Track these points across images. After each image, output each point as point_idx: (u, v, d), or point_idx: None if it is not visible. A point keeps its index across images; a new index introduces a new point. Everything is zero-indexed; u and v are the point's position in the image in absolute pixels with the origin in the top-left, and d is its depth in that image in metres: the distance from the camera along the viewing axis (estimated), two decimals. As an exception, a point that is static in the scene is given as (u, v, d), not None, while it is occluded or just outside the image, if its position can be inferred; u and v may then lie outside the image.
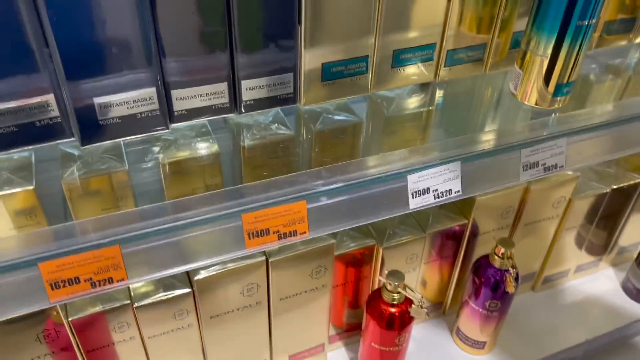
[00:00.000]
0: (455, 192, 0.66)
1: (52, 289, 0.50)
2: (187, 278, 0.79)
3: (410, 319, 0.85)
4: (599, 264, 1.19)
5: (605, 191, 1.03)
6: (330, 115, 0.86)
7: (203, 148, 0.75)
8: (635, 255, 1.16)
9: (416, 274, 0.97)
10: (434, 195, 0.66)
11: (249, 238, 0.58)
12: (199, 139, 0.79)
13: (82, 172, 0.73)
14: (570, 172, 0.97)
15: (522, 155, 0.69)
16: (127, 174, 0.71)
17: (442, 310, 1.09)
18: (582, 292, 1.16)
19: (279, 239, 0.59)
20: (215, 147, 0.75)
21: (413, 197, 0.64)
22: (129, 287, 0.77)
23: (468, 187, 0.67)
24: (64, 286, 0.51)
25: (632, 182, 1.06)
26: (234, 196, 0.59)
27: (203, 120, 0.67)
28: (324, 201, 0.61)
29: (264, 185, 0.61)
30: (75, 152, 0.74)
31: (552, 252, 1.09)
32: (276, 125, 0.83)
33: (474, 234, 0.97)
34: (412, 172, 0.63)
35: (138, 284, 0.77)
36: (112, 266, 0.52)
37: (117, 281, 0.53)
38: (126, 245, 0.53)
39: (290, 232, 0.60)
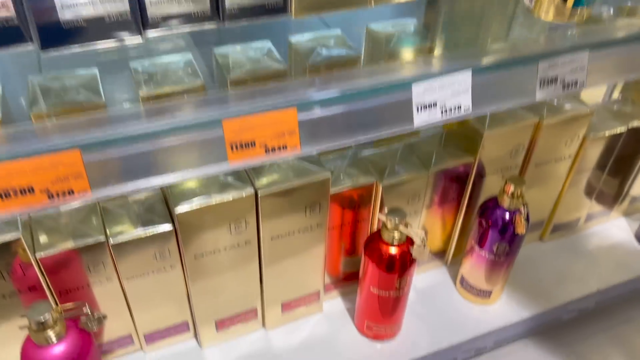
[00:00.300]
0: (464, 108, 0.59)
1: (2, 198, 0.43)
2: (169, 214, 0.72)
3: (412, 261, 0.78)
4: (610, 213, 1.13)
5: (621, 130, 0.96)
6: (325, 50, 0.80)
7: (187, 82, 0.70)
8: (648, 204, 1.10)
9: (418, 219, 0.91)
10: (442, 111, 0.58)
11: (232, 150, 0.50)
12: (183, 72, 0.74)
13: (53, 103, 0.66)
14: (585, 108, 0.90)
15: (540, 69, 0.61)
16: (104, 106, 0.64)
17: (445, 260, 1.03)
18: (593, 242, 1.09)
19: (266, 153, 0.52)
20: (199, 81, 0.69)
21: (418, 112, 0.57)
22: (104, 224, 0.70)
23: (479, 103, 0.60)
24: (15, 196, 0.44)
25: (649, 122, 0.99)
26: (216, 102, 0.52)
27: (182, 31, 0.60)
28: (318, 113, 0.54)
29: (250, 92, 0.53)
30: (48, 84, 0.68)
31: (563, 198, 1.02)
32: (266, 58, 0.77)
33: (480, 174, 0.90)
34: (417, 82, 0.56)
35: (116, 225, 0.71)
36: (72, 175, 0.45)
37: (79, 192, 0.45)
38: (89, 151, 0.45)
39: (279, 147, 0.53)
